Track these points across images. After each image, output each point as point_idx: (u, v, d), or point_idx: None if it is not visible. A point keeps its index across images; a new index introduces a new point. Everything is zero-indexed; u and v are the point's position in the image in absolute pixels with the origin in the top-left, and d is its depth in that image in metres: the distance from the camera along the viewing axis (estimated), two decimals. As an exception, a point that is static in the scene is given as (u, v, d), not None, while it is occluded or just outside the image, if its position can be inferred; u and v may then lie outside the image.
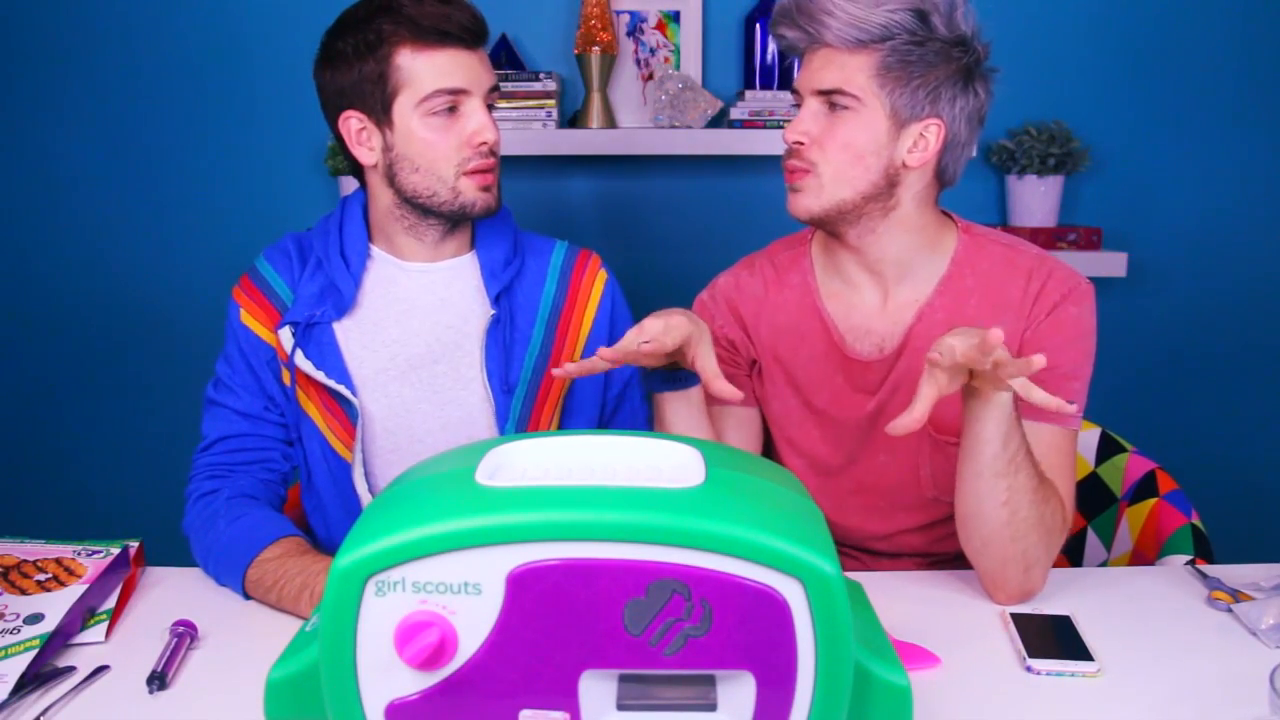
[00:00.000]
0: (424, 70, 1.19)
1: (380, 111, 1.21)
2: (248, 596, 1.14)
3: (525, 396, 1.29)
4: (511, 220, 1.36)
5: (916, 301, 1.23)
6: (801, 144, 1.16)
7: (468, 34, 1.21)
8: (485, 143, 1.23)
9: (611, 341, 1.38)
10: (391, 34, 1.18)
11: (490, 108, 1.26)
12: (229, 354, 1.30)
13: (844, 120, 1.14)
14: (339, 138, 1.26)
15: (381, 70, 1.19)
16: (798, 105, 1.19)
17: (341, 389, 1.24)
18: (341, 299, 1.27)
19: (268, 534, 1.15)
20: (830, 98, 1.15)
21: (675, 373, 1.17)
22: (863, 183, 1.16)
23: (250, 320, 1.28)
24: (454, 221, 1.29)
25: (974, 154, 1.22)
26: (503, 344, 1.29)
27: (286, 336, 1.26)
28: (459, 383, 1.29)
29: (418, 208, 1.26)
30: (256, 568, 1.12)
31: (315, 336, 1.26)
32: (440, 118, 1.20)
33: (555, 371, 1.10)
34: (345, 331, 1.28)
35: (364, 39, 1.19)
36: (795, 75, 1.22)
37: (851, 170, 1.15)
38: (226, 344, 1.31)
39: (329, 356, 1.26)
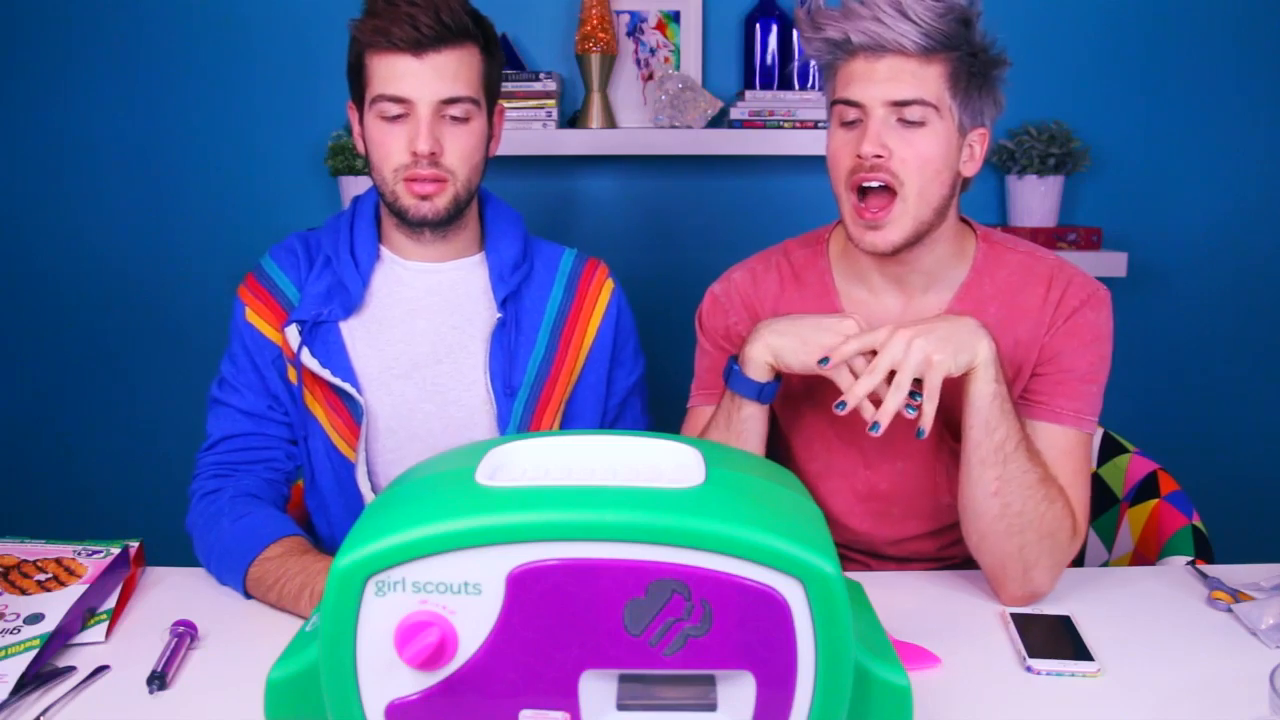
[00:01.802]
0: (375, 72, 1.20)
1: (361, 107, 1.24)
2: (249, 595, 1.14)
3: (527, 400, 1.29)
4: (522, 225, 1.36)
5: (938, 308, 1.22)
6: (881, 157, 1.10)
7: (411, 43, 1.16)
8: (416, 153, 1.19)
9: (614, 352, 1.37)
10: (358, 31, 1.21)
11: (487, 119, 1.25)
12: (233, 353, 1.30)
13: (921, 133, 1.10)
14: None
15: (359, 66, 1.22)
16: (857, 119, 1.12)
17: (347, 387, 1.24)
18: (349, 298, 1.27)
19: (270, 533, 1.15)
20: (905, 110, 1.09)
21: (778, 380, 1.16)
22: (938, 198, 1.13)
23: (256, 319, 1.28)
24: (417, 226, 1.26)
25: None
26: (507, 347, 1.29)
27: (293, 335, 1.26)
28: (462, 384, 1.29)
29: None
30: (258, 566, 1.12)
31: (322, 335, 1.26)
32: (389, 121, 1.20)
33: None
34: (351, 330, 1.28)
35: (352, 33, 1.22)
36: (833, 85, 1.15)
37: (932, 186, 1.12)
38: (231, 343, 1.31)
39: (335, 355, 1.26)
